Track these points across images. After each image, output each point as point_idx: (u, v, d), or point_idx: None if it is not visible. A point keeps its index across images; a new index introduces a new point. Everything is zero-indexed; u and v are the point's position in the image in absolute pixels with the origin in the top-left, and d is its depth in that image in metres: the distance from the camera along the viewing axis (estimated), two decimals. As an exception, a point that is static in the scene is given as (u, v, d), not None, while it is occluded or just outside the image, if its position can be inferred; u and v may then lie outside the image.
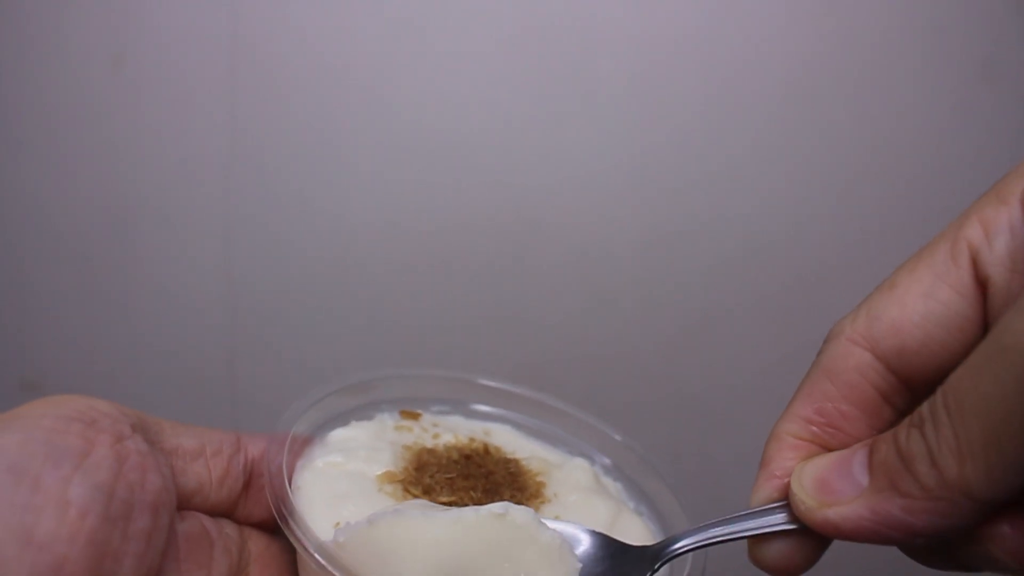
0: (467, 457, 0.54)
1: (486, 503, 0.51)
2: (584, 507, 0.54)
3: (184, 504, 0.47)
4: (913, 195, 0.85)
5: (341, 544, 0.45)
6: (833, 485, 0.40)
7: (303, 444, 0.53)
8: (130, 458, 0.43)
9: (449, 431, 0.57)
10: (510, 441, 0.58)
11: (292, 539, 0.46)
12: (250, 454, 0.51)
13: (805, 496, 0.41)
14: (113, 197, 0.89)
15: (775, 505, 0.44)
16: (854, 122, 0.83)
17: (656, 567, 0.45)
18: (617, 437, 0.58)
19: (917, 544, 0.40)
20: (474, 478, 0.53)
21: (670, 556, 0.45)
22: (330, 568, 0.44)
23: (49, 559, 0.38)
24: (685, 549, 0.45)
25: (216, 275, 0.91)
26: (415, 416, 0.58)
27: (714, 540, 0.45)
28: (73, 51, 0.84)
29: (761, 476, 0.45)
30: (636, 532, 0.54)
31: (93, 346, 0.95)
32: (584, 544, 0.47)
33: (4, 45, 0.85)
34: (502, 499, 0.52)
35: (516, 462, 0.56)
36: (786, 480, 0.43)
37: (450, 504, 0.51)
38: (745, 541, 0.46)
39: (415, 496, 0.51)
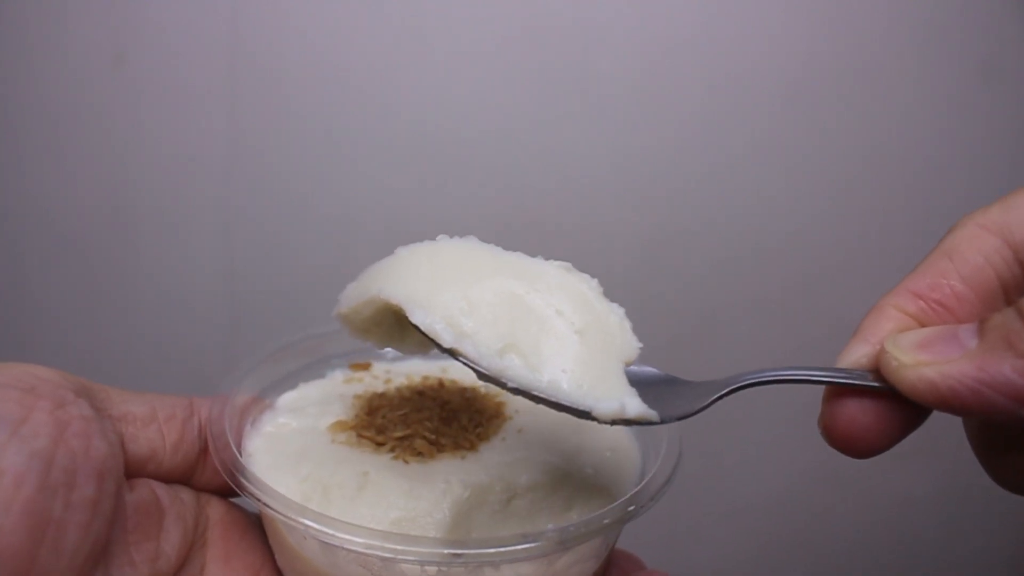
0: (420, 393, 0.52)
1: (443, 432, 0.49)
2: (548, 419, 0.50)
3: (136, 472, 0.45)
4: (913, 195, 0.85)
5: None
6: (935, 346, 0.36)
7: (251, 411, 0.51)
8: (72, 424, 0.40)
9: (402, 375, 0.55)
10: (470, 373, 0.55)
11: (252, 499, 0.44)
12: (204, 418, 0.48)
13: (900, 353, 0.37)
14: (113, 197, 0.89)
15: (861, 370, 0.40)
16: (854, 122, 0.82)
17: (722, 394, 0.41)
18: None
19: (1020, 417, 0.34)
20: (428, 410, 0.50)
21: (740, 386, 0.41)
22: (301, 520, 0.42)
23: None
24: (756, 381, 0.41)
25: (216, 275, 0.90)
26: (365, 367, 0.55)
27: (788, 378, 0.41)
28: (74, 51, 0.85)
29: (852, 341, 0.40)
30: (611, 436, 0.50)
31: (93, 345, 0.94)
32: (645, 375, 0.44)
33: (5, 45, 0.85)
34: (459, 425, 0.49)
35: (474, 389, 0.53)
36: (879, 346, 0.39)
37: (404, 438, 0.48)
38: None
39: (368, 440, 0.48)
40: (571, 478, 0.46)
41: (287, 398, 0.52)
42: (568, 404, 0.40)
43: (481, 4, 0.80)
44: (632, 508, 0.43)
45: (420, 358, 0.57)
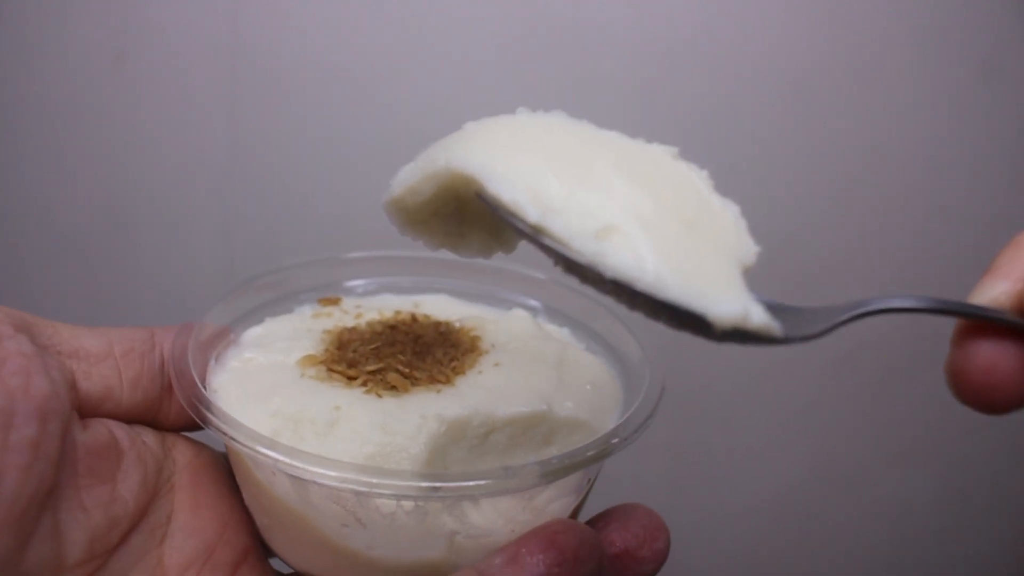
0: (392, 328, 0.50)
1: (417, 365, 0.47)
2: (526, 352, 0.49)
3: (91, 411, 0.42)
4: (913, 195, 0.84)
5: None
6: None
7: (215, 345, 0.48)
8: (9, 361, 0.38)
9: (374, 310, 0.53)
10: (443, 309, 0.53)
11: (218, 432, 0.41)
12: (167, 352, 0.45)
13: None
14: (113, 197, 0.87)
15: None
16: (854, 122, 0.81)
17: (848, 318, 0.35)
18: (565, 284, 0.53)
19: None
20: (401, 343, 0.48)
21: (867, 311, 0.35)
22: (271, 454, 0.39)
23: None
24: (886, 308, 0.35)
25: (216, 275, 0.88)
26: (335, 301, 0.53)
27: (918, 307, 0.35)
28: (74, 50, 0.83)
29: (987, 278, 0.35)
30: (592, 371, 0.49)
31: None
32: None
33: (4, 44, 0.83)
34: (434, 358, 0.48)
35: (448, 323, 0.51)
36: (1021, 285, 0.34)
37: (377, 372, 0.46)
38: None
39: (339, 374, 0.46)
40: (551, 412, 0.45)
41: (252, 333, 0.50)
42: (678, 304, 0.32)
43: (482, 4, 0.79)
44: (616, 441, 0.42)
45: (392, 293, 0.55)
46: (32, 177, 0.87)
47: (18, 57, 0.83)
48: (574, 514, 0.46)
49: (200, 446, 0.47)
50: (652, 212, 0.35)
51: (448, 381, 0.46)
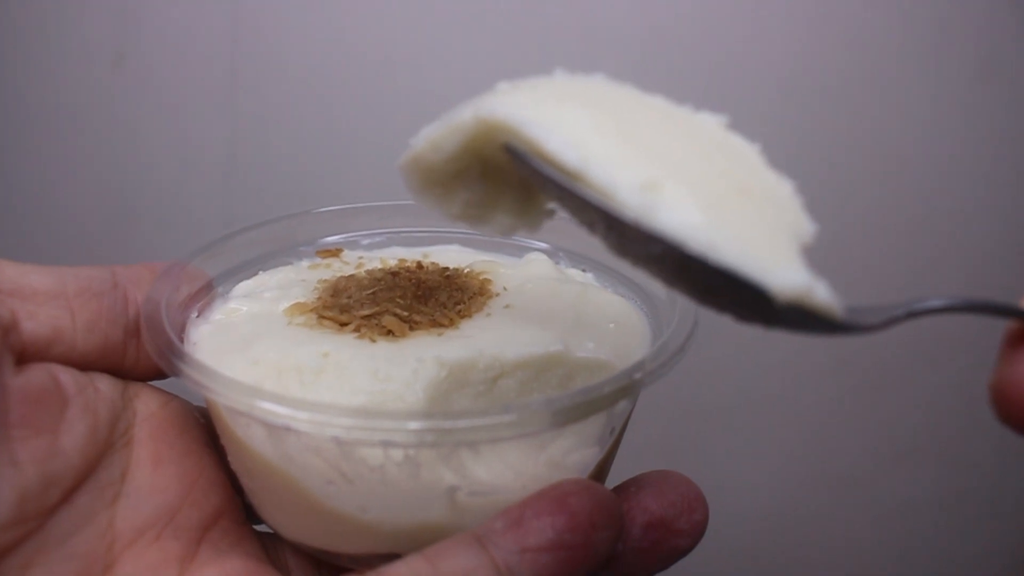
0: (394, 274, 0.45)
1: (417, 309, 0.41)
2: (541, 293, 0.43)
3: (37, 355, 0.37)
4: (913, 195, 0.82)
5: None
6: None
7: (198, 299, 0.44)
8: None
9: (377, 260, 0.48)
10: (454, 258, 0.48)
11: (187, 380, 0.36)
12: (131, 294, 0.41)
13: None
14: (113, 197, 0.86)
15: None
16: (854, 122, 0.80)
17: (905, 315, 0.31)
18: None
19: None
20: (401, 288, 0.43)
21: (926, 309, 0.31)
22: (237, 399, 0.35)
23: None
24: (945, 307, 0.31)
25: None
26: (335, 253, 0.48)
27: (982, 307, 0.31)
28: (74, 50, 0.83)
29: None
30: (615, 309, 0.43)
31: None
32: None
33: (4, 44, 0.84)
34: (437, 301, 0.42)
35: (456, 269, 0.46)
36: None
37: (371, 316, 0.41)
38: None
39: (330, 320, 0.41)
40: (568, 353, 0.39)
41: (242, 286, 0.46)
42: (735, 271, 0.28)
43: (482, 4, 0.78)
44: (639, 376, 0.36)
45: (401, 245, 0.50)
46: (32, 177, 0.87)
47: (18, 57, 0.83)
48: (597, 472, 0.40)
49: (168, 396, 0.42)
50: (705, 173, 0.31)
51: (452, 324, 0.41)
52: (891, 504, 0.92)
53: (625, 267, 0.45)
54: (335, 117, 0.81)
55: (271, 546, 0.43)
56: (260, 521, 0.43)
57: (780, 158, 0.81)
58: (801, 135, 0.80)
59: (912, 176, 0.82)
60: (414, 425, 0.34)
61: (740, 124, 0.81)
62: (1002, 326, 0.31)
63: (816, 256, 0.89)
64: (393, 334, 0.40)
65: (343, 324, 0.40)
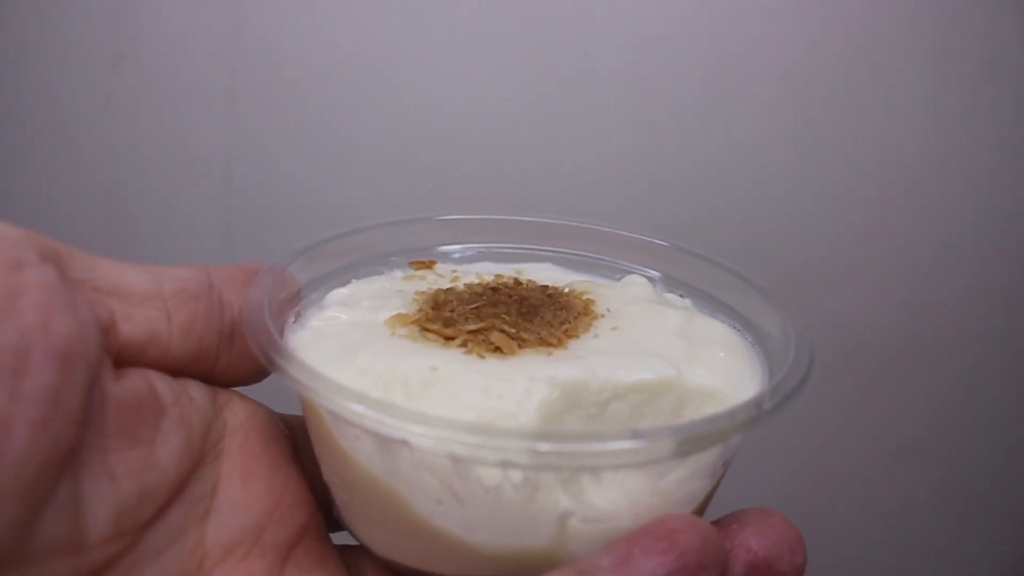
0: (494, 290, 0.44)
1: (524, 326, 0.41)
2: (646, 317, 0.42)
3: (131, 360, 0.36)
4: (912, 195, 0.83)
5: None
6: None
7: (293, 305, 0.43)
8: (28, 293, 0.31)
9: (472, 274, 0.47)
10: (549, 277, 0.47)
11: (293, 383, 0.35)
12: (227, 297, 0.39)
13: None
14: (113, 197, 0.86)
15: None
16: (854, 122, 0.80)
17: None
18: (697, 252, 0.47)
19: None
20: (504, 304, 0.42)
21: None
22: (354, 407, 0.33)
23: None
24: None
25: None
26: (428, 265, 0.48)
27: None
28: (74, 50, 0.82)
29: None
30: (723, 338, 0.42)
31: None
32: None
33: (4, 44, 0.83)
34: (542, 320, 0.41)
35: (556, 288, 0.45)
36: None
37: (478, 331, 0.40)
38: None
39: (435, 333, 0.40)
40: (681, 378, 0.38)
41: (337, 294, 0.45)
42: None
43: (482, 3, 0.78)
44: (767, 407, 0.35)
45: (491, 261, 0.49)
46: (31, 177, 0.86)
47: (18, 57, 0.83)
48: (703, 505, 0.39)
49: (255, 405, 0.41)
50: None
51: (560, 344, 0.40)
52: (891, 504, 0.92)
53: (724, 294, 0.45)
54: (336, 118, 0.81)
55: (352, 562, 0.42)
56: (339, 531, 0.42)
57: (781, 159, 0.83)
58: (800, 135, 0.80)
59: (913, 177, 0.82)
60: (543, 447, 0.33)
61: (740, 124, 0.81)
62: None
63: (817, 257, 0.90)
64: (501, 351, 0.39)
65: (449, 338, 0.40)
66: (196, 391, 0.38)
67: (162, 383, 0.36)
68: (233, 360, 0.39)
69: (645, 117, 0.79)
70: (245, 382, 0.40)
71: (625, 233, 0.48)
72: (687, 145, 0.80)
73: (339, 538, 0.43)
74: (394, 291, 0.44)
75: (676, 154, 0.80)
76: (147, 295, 0.37)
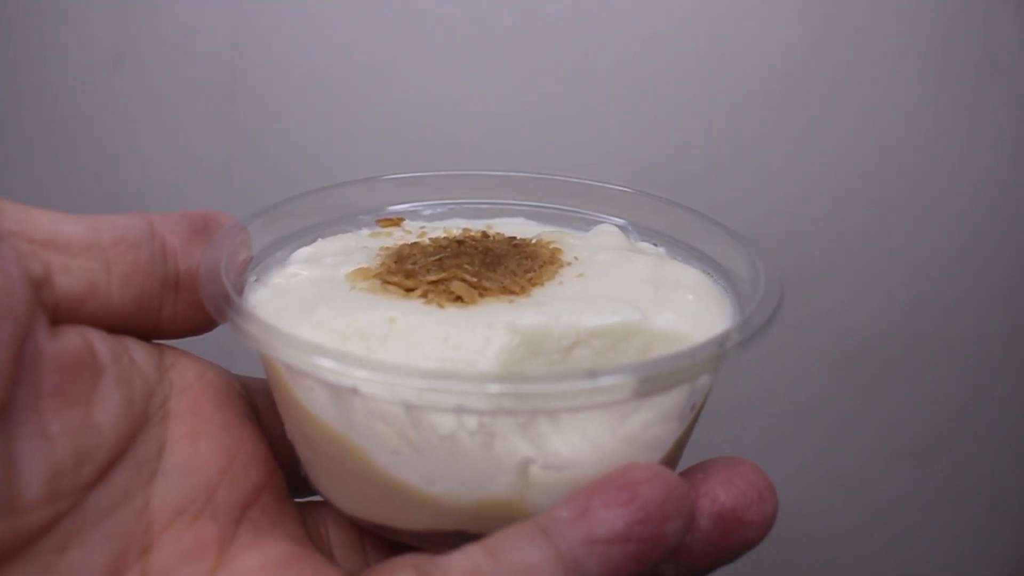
0: (459, 242, 0.43)
1: (486, 276, 0.39)
2: (614, 263, 0.41)
3: (70, 313, 0.34)
4: (912, 195, 0.81)
5: None
6: None
7: (255, 264, 0.42)
8: None
9: (440, 230, 0.46)
10: (519, 230, 0.46)
11: (245, 337, 0.34)
12: (170, 243, 0.37)
13: None
14: (112, 197, 0.85)
15: None
16: (854, 122, 0.79)
17: None
18: (675, 202, 0.45)
19: None
20: (468, 255, 0.41)
21: None
22: (306, 358, 0.32)
23: None
24: None
25: None
26: (396, 222, 0.47)
27: None
28: (74, 50, 0.82)
29: None
30: (693, 281, 0.41)
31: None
32: None
33: (4, 44, 0.82)
34: (506, 268, 0.40)
35: (524, 239, 0.44)
36: None
37: (439, 282, 0.39)
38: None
39: (395, 286, 0.39)
40: (646, 322, 0.37)
41: (301, 252, 0.44)
42: None
43: (483, 3, 0.77)
44: (729, 345, 0.34)
45: (462, 217, 0.48)
46: (31, 177, 0.85)
47: (18, 57, 0.82)
48: (674, 451, 0.38)
49: (206, 365, 0.39)
50: None
51: (523, 291, 0.39)
52: (891, 504, 0.91)
53: (700, 241, 0.43)
54: (336, 117, 0.80)
55: (312, 522, 0.41)
56: (306, 495, 0.41)
57: (781, 159, 0.82)
58: (800, 134, 0.79)
59: (913, 177, 0.81)
60: (493, 388, 0.32)
61: (740, 124, 0.80)
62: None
63: (816, 257, 0.89)
64: (462, 300, 0.38)
65: (409, 290, 0.39)
66: (139, 351, 0.37)
67: (101, 342, 0.35)
68: (179, 310, 0.38)
69: (645, 117, 0.78)
70: (193, 332, 0.39)
71: (600, 184, 0.47)
72: (687, 145, 0.79)
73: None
74: (359, 248, 0.43)
75: (676, 154, 0.80)
76: (85, 245, 0.35)
